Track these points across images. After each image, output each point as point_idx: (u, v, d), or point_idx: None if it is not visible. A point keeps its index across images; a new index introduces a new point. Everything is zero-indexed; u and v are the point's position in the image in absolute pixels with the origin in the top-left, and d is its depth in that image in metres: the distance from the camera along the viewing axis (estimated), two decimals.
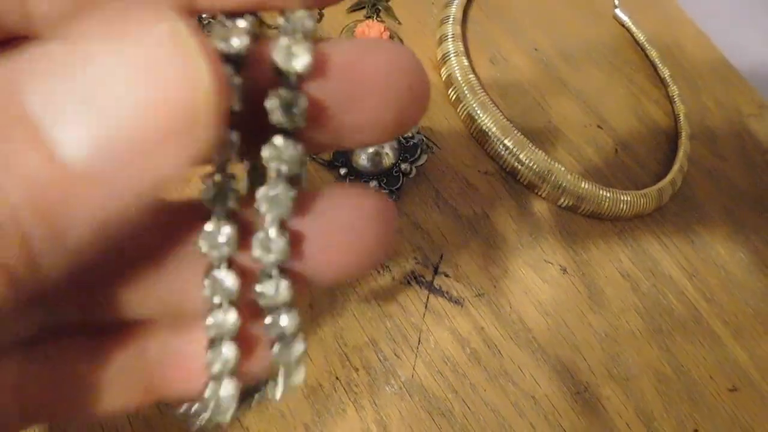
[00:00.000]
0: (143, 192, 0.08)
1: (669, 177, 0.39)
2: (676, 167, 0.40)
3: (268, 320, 0.11)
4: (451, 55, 0.38)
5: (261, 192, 0.10)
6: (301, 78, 0.09)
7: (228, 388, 0.11)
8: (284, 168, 0.10)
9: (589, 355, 0.31)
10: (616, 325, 0.33)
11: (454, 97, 0.38)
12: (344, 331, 0.28)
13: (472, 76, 0.38)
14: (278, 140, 0.10)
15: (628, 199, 0.37)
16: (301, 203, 0.10)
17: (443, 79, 0.39)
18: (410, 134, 0.32)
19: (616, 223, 0.37)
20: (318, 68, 0.10)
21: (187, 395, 0.12)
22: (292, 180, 0.10)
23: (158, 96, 0.07)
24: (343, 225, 0.10)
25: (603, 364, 0.31)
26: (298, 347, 0.11)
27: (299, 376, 0.11)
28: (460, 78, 0.37)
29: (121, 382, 0.12)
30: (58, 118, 0.07)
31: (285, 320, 0.11)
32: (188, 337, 0.12)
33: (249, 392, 0.12)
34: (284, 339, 0.11)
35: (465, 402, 0.28)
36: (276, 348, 0.11)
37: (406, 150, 0.32)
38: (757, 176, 0.44)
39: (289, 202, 0.10)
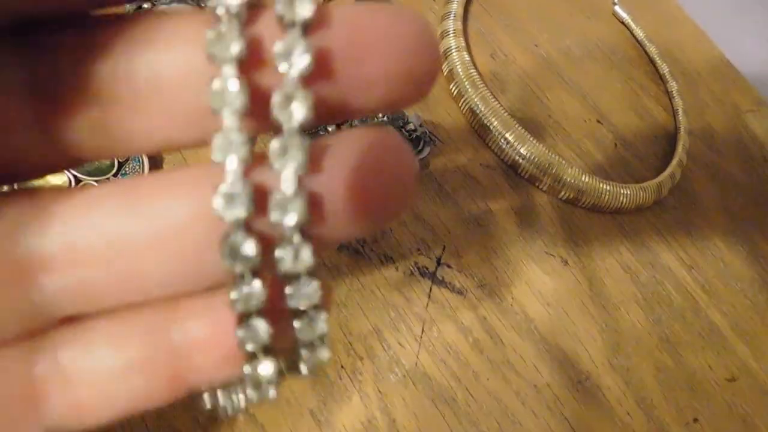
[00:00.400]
0: None
1: (668, 171, 0.39)
2: (675, 161, 0.40)
3: (288, 290, 0.10)
4: (453, 51, 0.39)
5: (273, 145, 0.10)
6: (306, 26, 0.09)
7: (267, 367, 0.11)
8: (297, 115, 0.09)
9: (589, 345, 0.32)
10: (617, 315, 0.33)
11: (455, 92, 0.38)
12: (349, 321, 0.29)
13: (473, 71, 0.38)
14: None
15: (628, 192, 0.37)
16: (314, 155, 0.10)
17: (445, 74, 0.39)
18: (413, 127, 0.33)
19: (616, 216, 0.37)
20: (322, 19, 0.09)
21: (217, 382, 0.11)
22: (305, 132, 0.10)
23: None
24: (361, 172, 0.10)
25: (603, 353, 0.32)
26: (321, 325, 0.11)
27: (324, 354, 0.11)
28: (461, 73, 0.38)
29: (143, 373, 0.11)
30: None
31: (307, 289, 0.10)
32: (214, 317, 0.11)
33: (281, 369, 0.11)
34: (306, 314, 0.11)
35: (468, 390, 0.29)
36: (298, 324, 0.11)
37: (409, 143, 0.32)
38: (754, 171, 0.44)
39: (305, 153, 0.09)
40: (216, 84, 0.09)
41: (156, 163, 0.30)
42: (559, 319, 0.32)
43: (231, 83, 0.09)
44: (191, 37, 0.10)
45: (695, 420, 0.31)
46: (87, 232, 0.10)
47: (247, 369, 0.11)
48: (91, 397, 0.11)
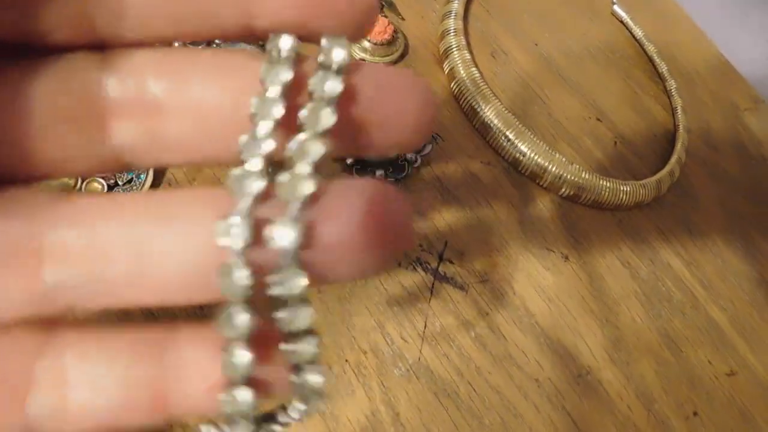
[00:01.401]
0: None
1: (667, 168, 0.40)
2: (674, 159, 0.41)
3: (280, 314, 0.10)
4: (453, 50, 0.39)
5: (281, 177, 0.10)
6: (340, 69, 0.11)
7: (245, 395, 0.10)
8: (311, 155, 0.10)
9: (590, 340, 0.32)
10: (617, 311, 0.34)
11: (456, 90, 0.38)
12: (352, 316, 0.29)
13: (474, 69, 0.38)
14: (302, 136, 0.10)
15: (628, 189, 0.37)
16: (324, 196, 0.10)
17: (446, 72, 0.39)
18: None
19: (616, 212, 0.38)
20: (354, 67, 0.11)
21: (200, 412, 0.11)
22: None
23: None
24: (367, 217, 0.10)
25: (604, 348, 0.32)
26: (315, 378, 0.11)
27: (318, 405, 0.11)
28: (462, 71, 0.38)
29: (129, 389, 0.11)
30: None
31: (299, 317, 0.10)
32: (209, 344, 0.11)
33: (267, 418, 0.11)
34: (297, 336, 0.11)
35: (470, 384, 0.29)
36: (287, 346, 0.11)
37: None
38: (752, 168, 0.45)
39: (311, 187, 0.10)
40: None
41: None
42: (560, 314, 0.32)
43: (263, 127, 0.10)
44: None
45: (695, 414, 0.32)
46: (111, 231, 0.11)
47: (224, 397, 0.10)
48: (76, 404, 0.11)
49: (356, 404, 0.27)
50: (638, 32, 0.48)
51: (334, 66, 0.11)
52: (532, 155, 0.36)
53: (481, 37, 0.42)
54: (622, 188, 0.37)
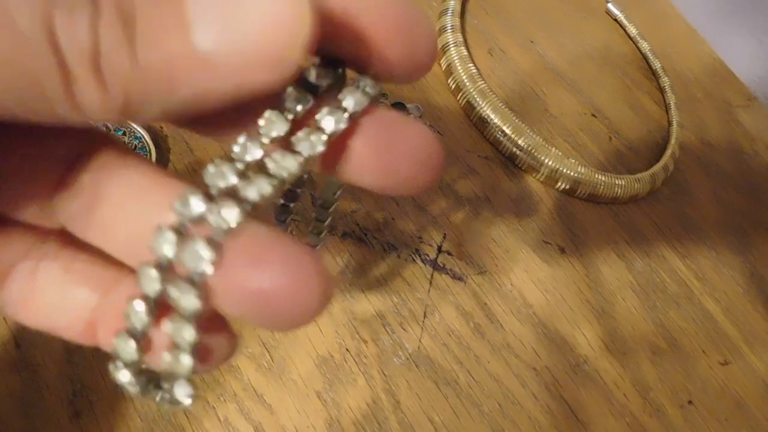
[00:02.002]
0: (231, 91, 0.10)
1: (661, 162, 0.40)
2: (668, 153, 0.41)
3: (167, 327, 0.11)
4: (451, 46, 0.40)
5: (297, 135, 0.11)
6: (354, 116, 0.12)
7: (185, 359, 0.11)
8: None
9: (587, 330, 0.33)
10: (613, 301, 0.34)
11: (453, 86, 0.39)
12: (353, 306, 0.29)
13: (471, 65, 0.39)
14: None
15: (623, 183, 0.38)
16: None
17: (443, 68, 0.40)
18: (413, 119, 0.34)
19: (612, 206, 0.38)
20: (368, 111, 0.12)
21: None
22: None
23: (274, 23, 0.09)
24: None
25: (601, 338, 0.33)
26: (182, 389, 0.11)
27: (182, 391, 0.11)
28: (459, 67, 0.39)
29: (68, 311, 0.13)
30: (203, 14, 0.09)
31: (185, 333, 0.11)
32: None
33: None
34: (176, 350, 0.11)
35: (470, 373, 0.29)
36: (167, 357, 0.11)
37: None
38: (745, 163, 0.45)
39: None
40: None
41: (162, 152, 0.31)
42: (557, 305, 0.33)
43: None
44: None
45: (690, 402, 0.32)
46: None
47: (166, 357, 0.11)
48: (35, 306, 0.13)
49: (357, 392, 0.27)
50: (632, 30, 0.49)
51: (350, 110, 0.11)
52: (529, 150, 0.37)
53: (478, 35, 0.43)
54: (617, 182, 0.38)
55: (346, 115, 0.11)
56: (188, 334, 0.10)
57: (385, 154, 0.12)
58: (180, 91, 0.10)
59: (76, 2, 0.09)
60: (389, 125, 0.12)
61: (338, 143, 0.11)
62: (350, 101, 0.11)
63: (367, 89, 0.12)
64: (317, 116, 0.11)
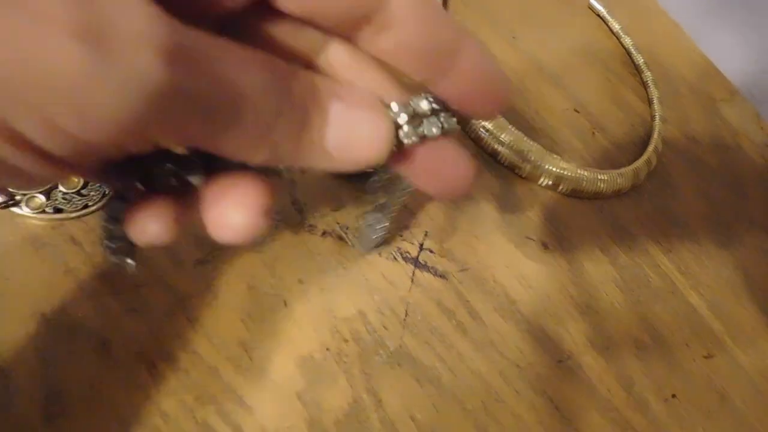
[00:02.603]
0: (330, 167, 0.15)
1: (644, 157, 0.40)
2: (651, 148, 0.41)
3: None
4: None
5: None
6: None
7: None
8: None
9: (570, 326, 0.32)
10: (596, 297, 0.34)
11: None
12: (333, 304, 0.29)
13: None
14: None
15: (606, 178, 0.38)
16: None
17: None
18: None
19: (595, 201, 0.38)
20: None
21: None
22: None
23: (373, 145, 0.15)
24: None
25: (584, 333, 0.32)
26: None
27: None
28: None
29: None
30: (336, 123, 0.15)
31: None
32: None
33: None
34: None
35: (452, 370, 0.29)
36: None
37: None
38: (728, 157, 0.45)
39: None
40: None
41: None
42: (540, 301, 0.33)
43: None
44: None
45: (674, 396, 0.32)
46: None
47: None
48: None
49: (338, 392, 0.27)
50: (615, 26, 0.49)
51: (442, 127, 0.16)
52: (511, 146, 0.37)
53: None
54: (600, 177, 0.38)
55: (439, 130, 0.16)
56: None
57: (435, 173, 0.17)
58: (297, 163, 0.15)
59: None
60: (445, 151, 0.17)
61: (411, 152, 0.16)
62: (444, 125, 0.16)
63: (453, 122, 0.17)
64: (430, 119, 0.16)
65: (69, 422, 0.24)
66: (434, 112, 0.16)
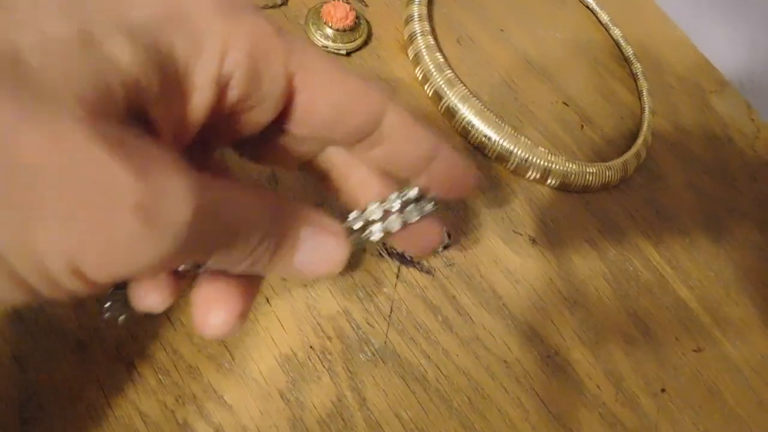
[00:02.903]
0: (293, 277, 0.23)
1: (633, 150, 0.40)
2: (640, 140, 0.41)
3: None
4: (418, 35, 0.39)
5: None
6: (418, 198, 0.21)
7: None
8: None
9: (558, 321, 0.32)
10: (585, 291, 0.34)
11: (421, 76, 0.38)
12: (317, 301, 0.29)
13: (438, 54, 0.38)
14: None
15: (595, 171, 0.38)
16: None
17: (410, 58, 0.39)
18: None
19: (583, 194, 0.38)
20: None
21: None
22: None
23: (330, 267, 0.19)
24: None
25: (572, 328, 0.32)
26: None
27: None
28: (426, 57, 0.38)
29: None
30: (305, 249, 0.18)
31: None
32: None
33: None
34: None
35: (438, 367, 0.29)
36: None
37: None
38: (718, 149, 0.45)
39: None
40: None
41: None
42: (527, 296, 0.32)
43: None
44: None
45: (663, 390, 0.32)
46: None
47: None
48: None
49: (322, 390, 0.27)
50: (604, 17, 0.48)
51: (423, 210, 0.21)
52: (498, 139, 0.36)
53: (446, 23, 0.42)
54: (588, 170, 0.37)
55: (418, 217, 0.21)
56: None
57: (416, 241, 0.23)
58: (267, 273, 0.18)
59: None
60: (423, 227, 0.22)
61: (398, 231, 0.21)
62: (422, 210, 0.21)
63: (430, 207, 0.21)
64: (407, 210, 0.21)
65: (46, 425, 0.23)
66: (417, 200, 0.21)
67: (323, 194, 0.31)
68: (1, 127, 0.11)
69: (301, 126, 0.18)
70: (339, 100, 0.18)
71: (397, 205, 0.20)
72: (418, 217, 0.20)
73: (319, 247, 0.18)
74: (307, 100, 0.17)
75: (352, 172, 0.21)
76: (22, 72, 0.12)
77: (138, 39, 0.14)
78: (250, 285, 0.18)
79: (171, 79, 0.15)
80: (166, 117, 0.15)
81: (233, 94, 0.16)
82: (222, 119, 0.17)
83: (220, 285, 0.18)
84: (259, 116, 0.17)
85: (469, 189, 0.23)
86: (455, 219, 0.33)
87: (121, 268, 0.13)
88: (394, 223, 0.20)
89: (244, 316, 0.18)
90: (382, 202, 0.21)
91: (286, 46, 0.16)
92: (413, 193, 0.20)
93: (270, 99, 0.17)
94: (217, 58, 0.15)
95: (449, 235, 0.32)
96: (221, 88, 0.16)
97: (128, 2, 0.14)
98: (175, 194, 0.13)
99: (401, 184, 0.21)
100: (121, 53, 0.13)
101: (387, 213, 0.20)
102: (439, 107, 0.37)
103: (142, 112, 0.14)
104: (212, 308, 0.17)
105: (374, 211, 0.20)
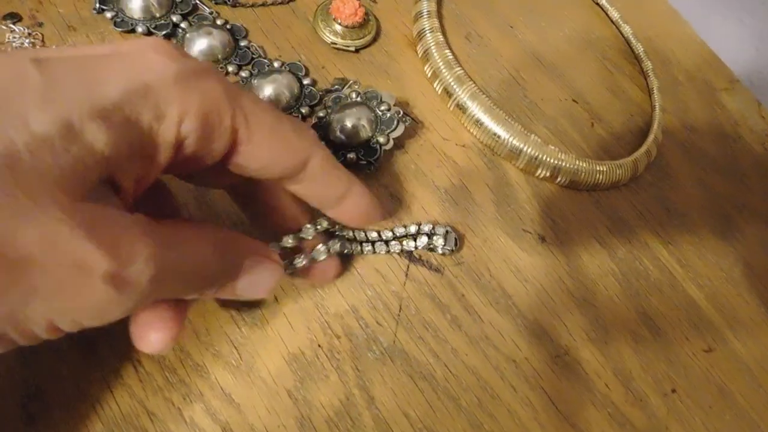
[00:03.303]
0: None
1: (644, 148, 0.40)
2: (650, 138, 0.40)
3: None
4: (427, 32, 0.39)
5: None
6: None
7: None
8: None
9: (567, 320, 0.32)
10: (594, 290, 0.33)
11: (430, 73, 0.38)
12: (325, 300, 0.29)
13: (447, 51, 0.38)
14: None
15: (604, 169, 0.37)
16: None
17: (419, 55, 0.39)
18: (387, 107, 0.33)
19: (593, 193, 0.38)
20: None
21: None
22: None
23: (264, 293, 0.24)
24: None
25: (582, 327, 0.32)
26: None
27: None
28: (435, 54, 0.38)
29: None
30: (245, 284, 0.23)
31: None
32: None
33: None
34: None
35: (447, 366, 0.29)
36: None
37: (383, 122, 0.32)
38: (728, 147, 0.45)
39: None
40: None
41: None
42: (537, 295, 0.32)
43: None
44: None
45: (673, 390, 0.32)
46: None
47: None
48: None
49: (330, 389, 0.27)
50: (614, 14, 0.48)
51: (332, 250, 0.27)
52: (507, 137, 0.36)
53: (456, 20, 0.42)
54: (598, 169, 0.37)
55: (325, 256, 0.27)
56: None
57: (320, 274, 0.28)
58: (212, 297, 0.22)
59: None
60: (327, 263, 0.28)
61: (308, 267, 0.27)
62: (332, 249, 0.27)
63: (337, 247, 0.27)
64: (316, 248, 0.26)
65: (51, 423, 0.23)
66: (329, 234, 0.28)
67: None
68: (1, 227, 0.14)
69: (240, 168, 0.21)
70: (274, 150, 0.21)
71: (310, 235, 0.26)
72: (325, 256, 0.26)
73: (259, 275, 0.22)
74: (247, 150, 0.20)
75: (272, 197, 0.25)
76: (18, 170, 0.14)
77: (110, 118, 0.16)
78: (182, 308, 0.21)
79: (136, 145, 0.17)
80: (130, 176, 0.18)
81: (188, 149, 0.19)
82: (175, 166, 0.20)
83: (158, 308, 0.20)
84: (206, 161, 0.20)
85: (373, 222, 0.27)
86: (464, 217, 0.33)
87: (94, 322, 0.16)
88: (321, 254, 0.26)
89: (176, 338, 0.20)
90: (298, 232, 0.25)
91: (233, 104, 0.19)
92: (325, 224, 0.26)
93: (217, 151, 0.20)
94: (176, 123, 0.18)
95: (456, 241, 0.31)
96: (178, 146, 0.19)
97: (98, 82, 0.16)
98: (140, 259, 0.16)
99: (314, 213, 0.26)
100: (98, 139, 0.16)
101: (302, 241, 0.26)
102: (449, 104, 0.37)
103: (111, 177, 0.17)
104: (151, 330, 0.20)
105: (289, 240, 0.25)
